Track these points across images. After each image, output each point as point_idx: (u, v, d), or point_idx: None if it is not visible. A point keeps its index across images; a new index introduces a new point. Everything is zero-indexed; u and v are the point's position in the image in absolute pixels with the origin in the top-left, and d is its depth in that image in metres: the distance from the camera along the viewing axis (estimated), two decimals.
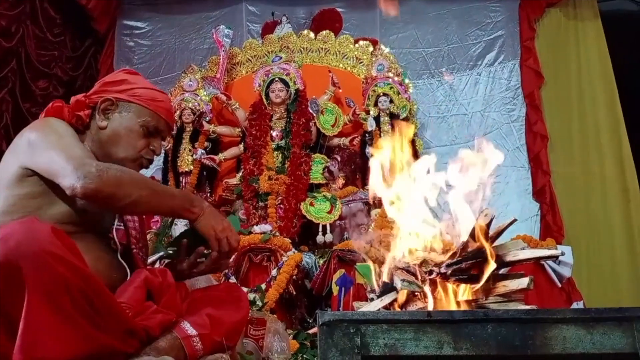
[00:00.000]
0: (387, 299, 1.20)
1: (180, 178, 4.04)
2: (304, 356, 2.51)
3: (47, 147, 1.24)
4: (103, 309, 1.02)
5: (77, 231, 1.25)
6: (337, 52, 4.30)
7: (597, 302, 3.68)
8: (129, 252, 1.40)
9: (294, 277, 3.16)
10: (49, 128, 1.30)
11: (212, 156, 4.00)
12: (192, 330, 1.25)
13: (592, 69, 4.51)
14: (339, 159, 3.83)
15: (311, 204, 3.60)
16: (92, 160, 1.24)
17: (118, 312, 1.08)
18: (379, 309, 1.19)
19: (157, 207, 1.33)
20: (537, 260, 1.29)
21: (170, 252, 1.44)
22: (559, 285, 3.19)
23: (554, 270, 3.14)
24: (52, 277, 0.94)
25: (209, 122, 4.11)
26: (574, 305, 3.31)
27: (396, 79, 3.98)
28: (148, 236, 2.16)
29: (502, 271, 1.29)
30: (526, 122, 4.45)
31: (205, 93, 4.16)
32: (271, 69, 4.03)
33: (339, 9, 4.62)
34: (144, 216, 1.55)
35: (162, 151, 4.66)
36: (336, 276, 3.02)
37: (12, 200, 1.23)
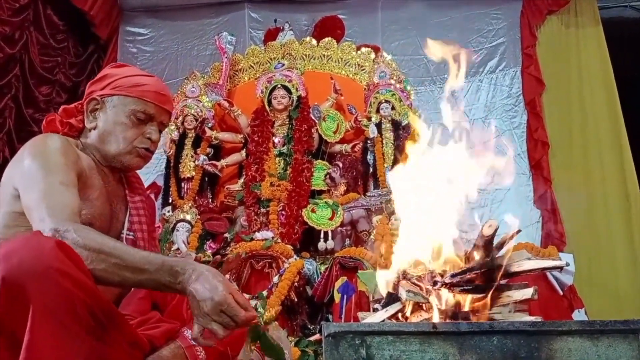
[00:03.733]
0: (391, 310, 1.20)
1: (182, 184, 4.05)
2: None
3: (31, 187, 1.18)
4: (108, 323, 1.01)
5: None
6: (339, 59, 4.31)
7: (598, 309, 3.67)
8: None
9: (296, 284, 3.15)
10: (42, 158, 1.22)
11: (214, 162, 4.01)
12: None
13: (593, 76, 4.52)
14: (340, 165, 3.83)
15: (313, 211, 3.59)
16: (65, 223, 1.08)
17: (123, 326, 1.08)
18: (383, 320, 1.19)
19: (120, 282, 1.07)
20: (542, 270, 1.28)
21: None
22: (561, 293, 3.18)
23: (556, 278, 3.13)
24: (58, 294, 0.92)
25: (211, 128, 4.12)
26: (576, 313, 3.30)
27: (398, 85, 3.98)
28: None
29: (505, 281, 1.28)
30: (527, 129, 4.46)
31: (207, 99, 4.17)
32: (273, 75, 4.04)
33: (340, 16, 4.64)
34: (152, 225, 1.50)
35: (165, 154, 4.45)
36: (338, 283, 3.02)
37: (13, 216, 1.22)
